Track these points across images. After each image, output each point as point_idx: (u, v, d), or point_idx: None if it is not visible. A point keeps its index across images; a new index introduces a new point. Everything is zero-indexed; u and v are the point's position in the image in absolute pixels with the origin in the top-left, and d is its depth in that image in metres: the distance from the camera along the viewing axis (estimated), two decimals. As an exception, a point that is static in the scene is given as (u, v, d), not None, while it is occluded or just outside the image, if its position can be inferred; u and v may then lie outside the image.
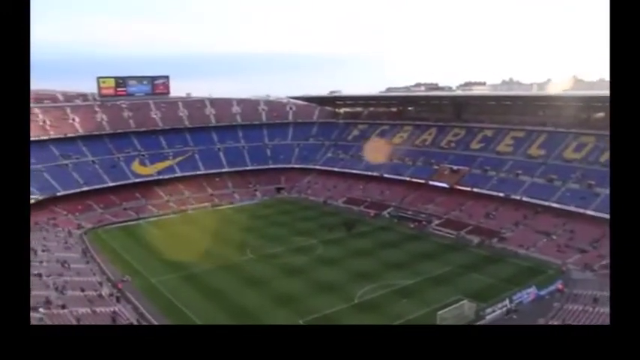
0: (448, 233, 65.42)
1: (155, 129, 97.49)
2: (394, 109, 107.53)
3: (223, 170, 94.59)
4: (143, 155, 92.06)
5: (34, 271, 46.13)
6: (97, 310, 40.02)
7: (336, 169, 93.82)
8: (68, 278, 47.07)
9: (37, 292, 40.13)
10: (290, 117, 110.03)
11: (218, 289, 47.48)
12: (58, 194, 75.67)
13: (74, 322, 35.90)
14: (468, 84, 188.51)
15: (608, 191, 59.09)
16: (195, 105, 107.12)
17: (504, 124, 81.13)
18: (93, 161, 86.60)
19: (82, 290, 44.12)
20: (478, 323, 38.98)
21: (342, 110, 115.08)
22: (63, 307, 38.52)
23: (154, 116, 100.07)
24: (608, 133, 66.64)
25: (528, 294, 43.81)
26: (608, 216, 55.09)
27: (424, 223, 69.78)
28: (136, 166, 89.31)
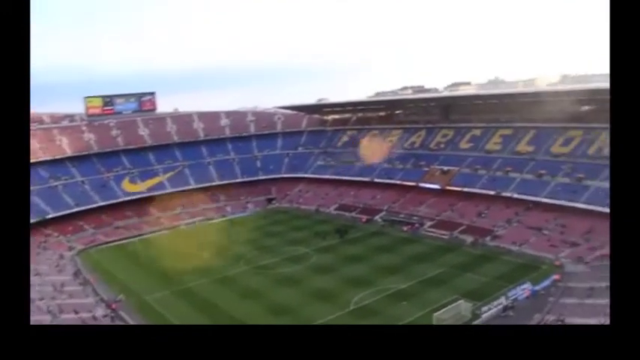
0: (441, 234, 65.45)
1: (144, 146, 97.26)
2: (382, 114, 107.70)
3: (214, 184, 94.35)
4: (133, 173, 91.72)
5: (26, 295, 45.67)
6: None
7: (326, 177, 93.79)
8: (61, 301, 46.74)
9: (30, 318, 39.75)
10: (278, 127, 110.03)
11: (213, 303, 47.25)
12: (48, 217, 75.16)
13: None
14: (454, 85, 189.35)
15: (597, 183, 59.50)
16: (183, 120, 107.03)
17: (492, 123, 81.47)
18: (82, 181, 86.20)
19: (76, 313, 43.85)
20: (475, 322, 39.00)
21: (330, 117, 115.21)
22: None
23: (142, 133, 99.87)
24: (594, 125, 67.36)
25: (523, 290, 43.87)
26: (599, 208, 55.48)
27: (417, 225, 69.79)
28: (126, 184, 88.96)
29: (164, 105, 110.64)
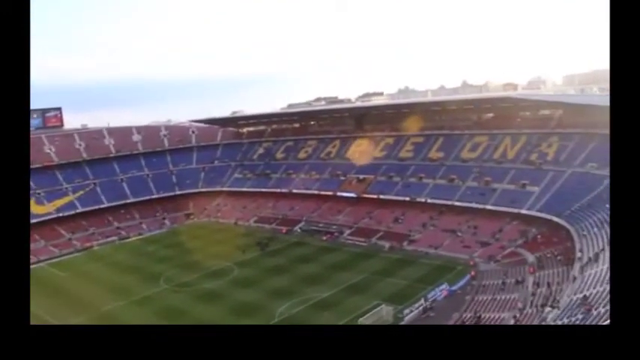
0: (360, 242, 66.78)
1: (50, 164, 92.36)
2: (297, 125, 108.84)
3: (128, 201, 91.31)
4: (39, 193, 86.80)
5: None
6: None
7: (244, 190, 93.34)
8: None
9: None
10: (193, 141, 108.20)
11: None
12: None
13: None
14: (366, 95, 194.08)
15: (503, 186, 63.18)
16: (92, 136, 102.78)
17: (404, 132, 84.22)
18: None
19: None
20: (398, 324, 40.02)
21: (245, 130, 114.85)
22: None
23: (48, 151, 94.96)
24: (498, 132, 71.47)
25: (441, 291, 45.62)
26: (505, 209, 58.94)
27: (336, 234, 70.83)
28: (32, 205, 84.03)
29: (71, 121, 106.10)
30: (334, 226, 73.59)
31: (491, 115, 78.89)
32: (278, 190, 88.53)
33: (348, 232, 71.05)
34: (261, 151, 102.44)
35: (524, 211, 58.29)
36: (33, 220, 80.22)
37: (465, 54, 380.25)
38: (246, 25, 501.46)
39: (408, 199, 71.09)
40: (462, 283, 47.80)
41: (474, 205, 63.66)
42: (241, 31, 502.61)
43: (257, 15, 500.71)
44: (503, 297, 41.21)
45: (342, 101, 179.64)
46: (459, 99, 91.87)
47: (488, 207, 61.78)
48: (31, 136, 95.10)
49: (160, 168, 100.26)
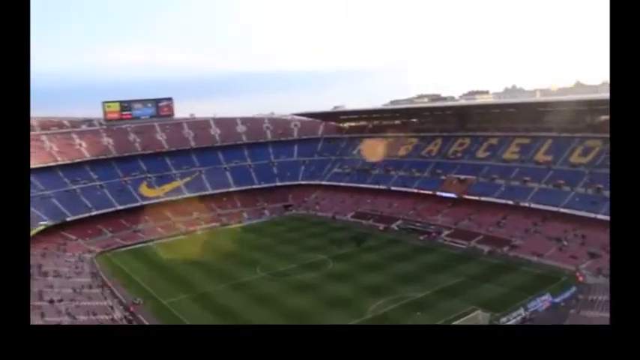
0: (458, 244, 65.12)
1: (161, 151, 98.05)
2: (398, 122, 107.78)
3: (230, 190, 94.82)
4: (150, 178, 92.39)
5: (46, 297, 46.28)
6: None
7: (343, 184, 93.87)
8: (80, 303, 47.11)
9: (49, 319, 40.25)
10: (295, 134, 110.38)
11: (229, 309, 47.31)
12: (68, 219, 75.98)
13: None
14: (471, 93, 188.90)
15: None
16: (200, 125, 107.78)
17: (509, 132, 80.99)
18: (101, 185, 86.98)
19: (94, 314, 44.20)
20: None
21: (346, 125, 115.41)
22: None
23: (160, 138, 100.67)
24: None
25: (543, 302, 43.44)
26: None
27: (434, 234, 69.57)
28: (143, 188, 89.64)
29: (181, 110, 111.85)
30: (432, 226, 72.30)
31: (606, 117, 73.82)
32: (377, 187, 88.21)
33: (446, 232, 69.52)
34: (361, 146, 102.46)
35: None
36: (144, 202, 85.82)
37: (579, 52, 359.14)
38: (353, 20, 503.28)
39: (510, 202, 68.28)
40: (566, 295, 45.21)
41: (583, 213, 59.95)
42: (347, 25, 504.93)
43: (364, 10, 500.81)
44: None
45: (445, 99, 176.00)
46: (570, 99, 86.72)
47: (600, 216, 57.79)
48: (145, 124, 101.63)
49: (261, 159, 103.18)
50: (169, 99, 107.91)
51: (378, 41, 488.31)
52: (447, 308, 44.00)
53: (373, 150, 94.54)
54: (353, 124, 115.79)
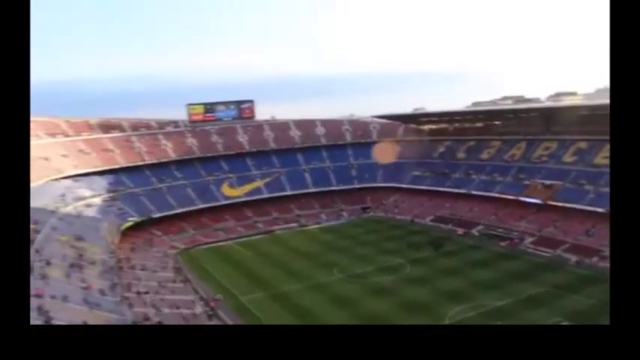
0: (542, 251, 62.46)
1: (242, 152, 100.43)
2: (480, 124, 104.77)
3: (309, 191, 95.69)
4: (231, 178, 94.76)
5: (134, 289, 48.27)
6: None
7: (422, 187, 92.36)
8: (164, 296, 48.79)
9: (137, 309, 41.88)
10: (374, 136, 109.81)
11: (306, 309, 47.64)
12: (154, 216, 79.12)
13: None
14: (557, 94, 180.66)
15: None
16: (280, 127, 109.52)
17: (600, 135, 76.55)
18: (185, 185, 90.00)
19: (177, 308, 45.65)
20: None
21: (426, 127, 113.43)
22: (159, 323, 39.74)
23: (241, 139, 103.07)
24: None
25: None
26: None
27: (516, 241, 67.07)
28: (225, 188, 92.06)
29: (262, 113, 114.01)
30: (515, 233, 69.70)
31: None
32: (457, 190, 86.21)
33: (529, 240, 66.75)
34: (441, 149, 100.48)
35: None
36: (225, 202, 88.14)
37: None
38: (433, 20, 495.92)
39: (601, 210, 64.35)
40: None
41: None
42: (427, 26, 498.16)
43: (446, 11, 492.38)
44: None
45: (529, 100, 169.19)
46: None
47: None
48: (227, 126, 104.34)
49: (340, 161, 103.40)
50: (251, 101, 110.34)
51: (459, 42, 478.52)
52: (529, 319, 42.21)
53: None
54: (433, 126, 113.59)
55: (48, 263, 43.77)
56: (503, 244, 67.14)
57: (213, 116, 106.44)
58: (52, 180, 70.37)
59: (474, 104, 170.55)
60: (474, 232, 74.00)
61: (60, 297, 37.11)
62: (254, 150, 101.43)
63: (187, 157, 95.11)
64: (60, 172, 74.08)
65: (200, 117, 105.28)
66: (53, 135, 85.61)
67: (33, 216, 55.60)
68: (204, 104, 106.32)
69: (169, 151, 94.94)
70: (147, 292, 48.40)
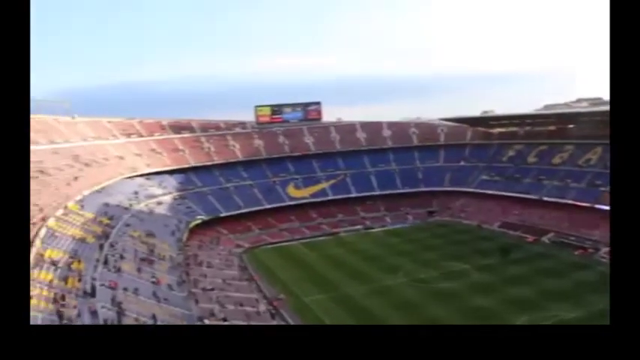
0: (619, 262, 58.97)
1: (308, 153, 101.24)
2: (553, 128, 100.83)
3: (375, 193, 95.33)
4: (297, 179, 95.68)
5: (200, 285, 49.53)
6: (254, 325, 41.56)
7: (490, 192, 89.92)
8: (229, 293, 49.77)
9: (202, 305, 42.93)
10: (441, 139, 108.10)
11: (369, 312, 47.39)
12: (221, 215, 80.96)
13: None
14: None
15: None
16: (346, 129, 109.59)
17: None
18: (251, 185, 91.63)
19: (241, 305, 46.44)
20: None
21: (495, 131, 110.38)
22: (224, 319, 40.57)
23: (307, 141, 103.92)
24: None
25: None
26: None
27: (590, 250, 64.12)
28: (290, 189, 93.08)
29: (328, 114, 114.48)
30: (589, 242, 66.62)
31: None
32: (527, 196, 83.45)
33: (604, 249, 63.51)
34: (511, 153, 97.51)
35: None
36: (291, 203, 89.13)
37: None
38: (501, 20, 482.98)
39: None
40: None
41: None
42: (494, 26, 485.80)
43: (514, 11, 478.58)
44: None
45: (607, 103, 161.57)
46: None
47: None
48: (294, 127, 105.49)
49: (407, 164, 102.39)
50: (317, 103, 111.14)
51: (531, 43, 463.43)
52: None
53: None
54: (503, 129, 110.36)
55: (122, 257, 45.71)
56: (576, 252, 64.46)
57: (280, 118, 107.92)
58: (126, 178, 73.45)
59: (546, 107, 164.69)
60: (545, 239, 71.33)
61: (131, 289, 38.61)
62: (320, 152, 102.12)
63: (254, 157, 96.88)
64: (134, 170, 77.26)
65: (267, 118, 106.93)
66: (128, 135, 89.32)
67: (109, 212, 58.31)
68: (272, 106, 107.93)
69: (237, 151, 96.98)
70: (212, 289, 49.54)
